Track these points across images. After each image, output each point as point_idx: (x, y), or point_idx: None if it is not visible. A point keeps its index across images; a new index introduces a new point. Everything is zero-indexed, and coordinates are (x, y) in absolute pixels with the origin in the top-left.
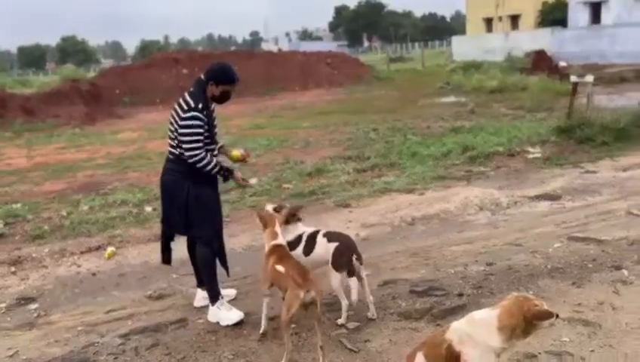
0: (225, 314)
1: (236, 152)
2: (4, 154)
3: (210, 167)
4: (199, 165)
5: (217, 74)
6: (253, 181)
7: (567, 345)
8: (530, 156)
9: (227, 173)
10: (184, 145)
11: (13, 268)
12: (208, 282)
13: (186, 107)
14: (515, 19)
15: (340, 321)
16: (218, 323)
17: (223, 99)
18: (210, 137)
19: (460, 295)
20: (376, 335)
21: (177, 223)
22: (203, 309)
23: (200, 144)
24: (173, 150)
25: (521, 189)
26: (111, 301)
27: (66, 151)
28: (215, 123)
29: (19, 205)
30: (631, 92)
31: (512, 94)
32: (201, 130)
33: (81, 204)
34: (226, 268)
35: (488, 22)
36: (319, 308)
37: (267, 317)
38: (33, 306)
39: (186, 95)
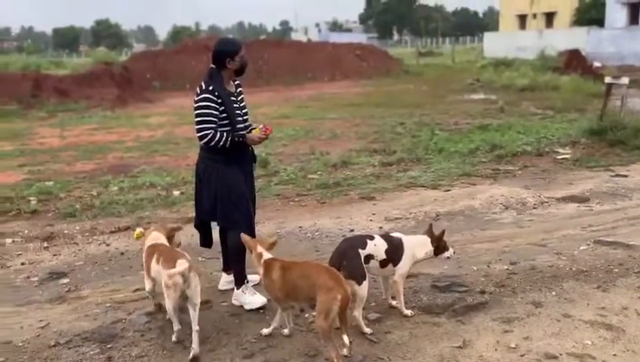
0: (249, 298)
1: (256, 130)
2: (37, 133)
3: (222, 141)
4: (211, 143)
5: (228, 49)
6: (266, 128)
7: (589, 348)
8: (559, 157)
9: (242, 138)
10: (195, 127)
11: (45, 244)
12: (236, 266)
13: (198, 91)
14: (550, 17)
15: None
16: (242, 306)
17: (244, 67)
18: (229, 118)
19: (483, 292)
20: (396, 327)
21: (208, 210)
22: (227, 293)
23: (210, 125)
24: None
25: (549, 190)
26: (138, 280)
27: (97, 133)
28: (243, 105)
29: (51, 183)
30: None
31: (542, 93)
32: (211, 111)
33: (110, 184)
34: None
35: (522, 19)
36: (350, 304)
37: (286, 317)
38: (64, 281)
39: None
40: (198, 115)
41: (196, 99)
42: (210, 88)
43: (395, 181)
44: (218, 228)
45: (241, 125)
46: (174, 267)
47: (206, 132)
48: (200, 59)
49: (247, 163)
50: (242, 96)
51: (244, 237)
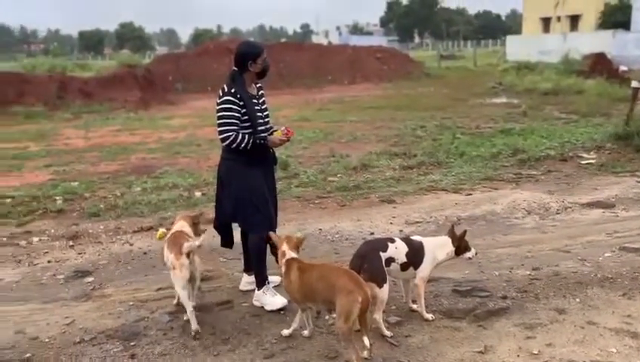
0: (270, 299)
1: (278, 132)
2: (63, 135)
3: (244, 143)
4: (233, 145)
5: (250, 51)
6: (288, 130)
7: (614, 356)
8: (584, 162)
9: (263, 141)
10: (218, 128)
11: (71, 243)
12: (257, 267)
13: (220, 93)
14: (574, 20)
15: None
16: (262, 307)
17: (265, 70)
18: (250, 120)
19: (504, 298)
20: (417, 331)
21: (229, 212)
22: (248, 293)
23: (232, 127)
24: None
25: (573, 195)
26: (160, 279)
27: (121, 134)
28: (264, 107)
29: (76, 183)
30: None
31: (566, 97)
32: (233, 113)
33: (133, 185)
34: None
35: (546, 22)
36: (371, 307)
37: (305, 318)
38: (89, 279)
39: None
40: (220, 117)
41: (218, 101)
42: (233, 91)
43: (416, 184)
44: (240, 229)
45: (263, 127)
46: (180, 251)
47: (228, 134)
48: (222, 61)
49: (269, 165)
50: (264, 98)
51: (272, 235)
